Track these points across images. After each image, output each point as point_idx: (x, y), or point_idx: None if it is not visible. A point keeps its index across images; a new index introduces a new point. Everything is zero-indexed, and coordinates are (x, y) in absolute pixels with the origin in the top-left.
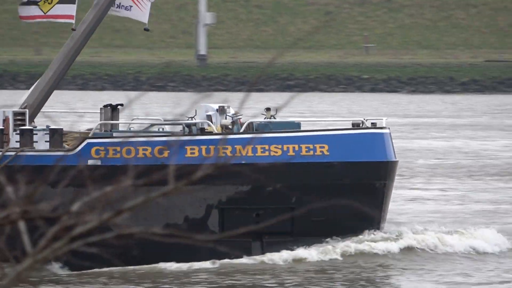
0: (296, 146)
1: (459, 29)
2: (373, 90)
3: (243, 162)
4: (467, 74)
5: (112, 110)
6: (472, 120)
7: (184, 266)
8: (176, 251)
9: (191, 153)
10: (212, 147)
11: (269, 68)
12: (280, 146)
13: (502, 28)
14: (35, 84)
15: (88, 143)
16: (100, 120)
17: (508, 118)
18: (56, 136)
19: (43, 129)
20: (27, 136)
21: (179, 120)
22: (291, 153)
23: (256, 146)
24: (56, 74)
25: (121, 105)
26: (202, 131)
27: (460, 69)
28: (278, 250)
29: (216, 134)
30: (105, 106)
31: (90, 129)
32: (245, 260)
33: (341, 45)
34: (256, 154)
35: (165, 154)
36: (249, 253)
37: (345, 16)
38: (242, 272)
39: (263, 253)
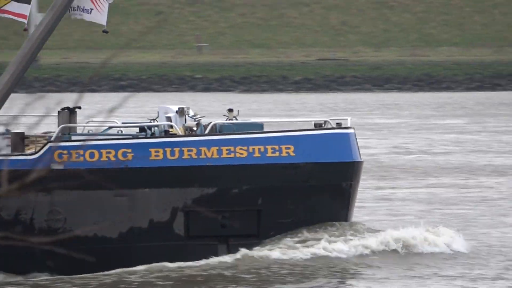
0: (262, 147)
1: (291, 28)
2: (206, 89)
3: (208, 164)
4: (299, 72)
5: (70, 113)
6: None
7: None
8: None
9: (155, 156)
10: (177, 149)
11: (102, 69)
12: (245, 148)
13: (334, 26)
14: None
15: (50, 146)
16: (58, 123)
17: (343, 115)
18: (18, 140)
19: (4, 133)
20: None
21: (141, 123)
22: (256, 154)
23: (221, 147)
24: (12, 77)
25: (79, 107)
26: (166, 133)
27: (292, 68)
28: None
29: (180, 136)
30: (63, 109)
31: (47, 133)
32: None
33: (173, 45)
34: (222, 156)
35: (129, 157)
36: (216, 256)
37: (177, 16)
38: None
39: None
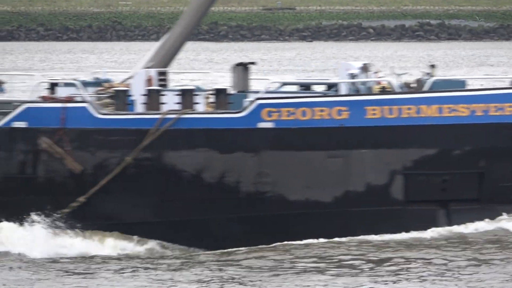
0: (484, 106)
1: None
2: None
3: (428, 123)
4: None
5: (244, 69)
6: None
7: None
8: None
9: (372, 115)
10: (395, 108)
11: None
12: (467, 106)
13: None
14: (161, 40)
15: (259, 104)
16: (233, 80)
17: None
18: (222, 97)
19: (202, 90)
20: (188, 97)
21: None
22: (479, 113)
23: (442, 106)
24: (186, 30)
25: (253, 63)
26: (383, 90)
27: None
28: (464, 220)
29: (398, 93)
30: (237, 65)
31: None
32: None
33: None
34: (443, 115)
35: (345, 115)
36: (434, 223)
37: None
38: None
39: (449, 223)
